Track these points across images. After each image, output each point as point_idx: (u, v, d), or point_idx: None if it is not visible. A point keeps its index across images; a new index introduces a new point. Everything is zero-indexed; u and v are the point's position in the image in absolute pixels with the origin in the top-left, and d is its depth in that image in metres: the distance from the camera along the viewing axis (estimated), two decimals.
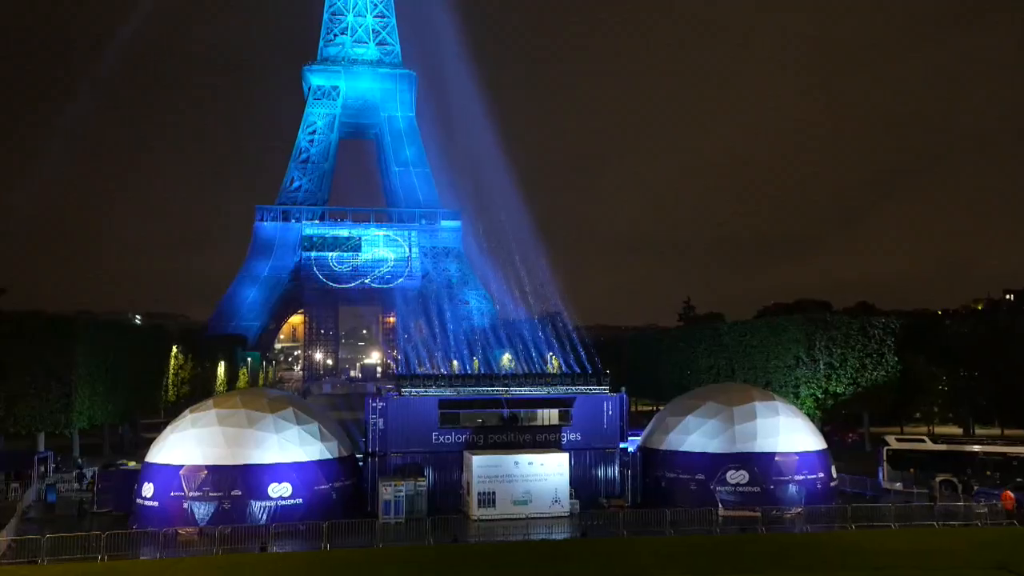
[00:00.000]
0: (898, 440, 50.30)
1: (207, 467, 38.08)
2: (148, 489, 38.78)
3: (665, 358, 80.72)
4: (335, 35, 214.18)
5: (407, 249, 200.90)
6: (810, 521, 40.47)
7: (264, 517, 38.07)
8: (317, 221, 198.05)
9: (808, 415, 59.07)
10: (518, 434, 44.90)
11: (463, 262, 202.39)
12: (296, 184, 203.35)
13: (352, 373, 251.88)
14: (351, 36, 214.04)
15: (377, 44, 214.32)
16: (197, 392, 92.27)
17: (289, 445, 39.63)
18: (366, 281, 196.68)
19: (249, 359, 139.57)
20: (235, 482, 37.97)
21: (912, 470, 48.62)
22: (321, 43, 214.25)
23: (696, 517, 38.59)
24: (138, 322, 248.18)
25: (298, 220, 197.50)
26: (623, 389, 46.72)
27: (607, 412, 45.50)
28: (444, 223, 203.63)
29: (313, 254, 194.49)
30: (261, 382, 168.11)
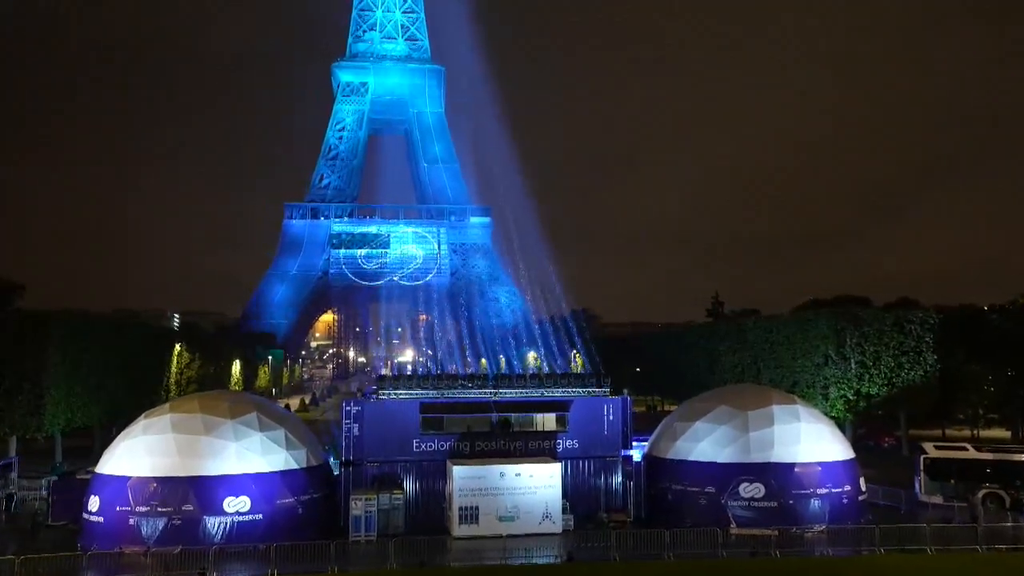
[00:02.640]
0: (937, 447, 45.15)
1: (156, 479, 34.50)
2: (94, 503, 35.28)
3: (688, 356, 75.93)
4: (364, 31, 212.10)
5: (436, 246, 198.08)
6: (833, 542, 35.69)
7: (220, 535, 34.40)
8: (346, 218, 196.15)
9: (838, 418, 54.17)
10: (509, 441, 40.69)
11: (492, 259, 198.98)
12: (325, 181, 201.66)
13: (384, 371, 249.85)
14: (380, 32, 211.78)
15: (406, 39, 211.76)
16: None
17: (249, 454, 35.85)
18: (395, 278, 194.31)
19: (270, 357, 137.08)
20: (186, 496, 34.29)
21: (953, 481, 43.54)
22: (350, 40, 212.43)
23: (700, 538, 34.05)
24: (176, 321, 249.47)
25: (327, 217, 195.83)
26: (625, 391, 42.29)
27: (607, 416, 41.07)
28: (473, 219, 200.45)
29: (342, 251, 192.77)
30: (285, 380, 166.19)
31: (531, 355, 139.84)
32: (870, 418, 60.62)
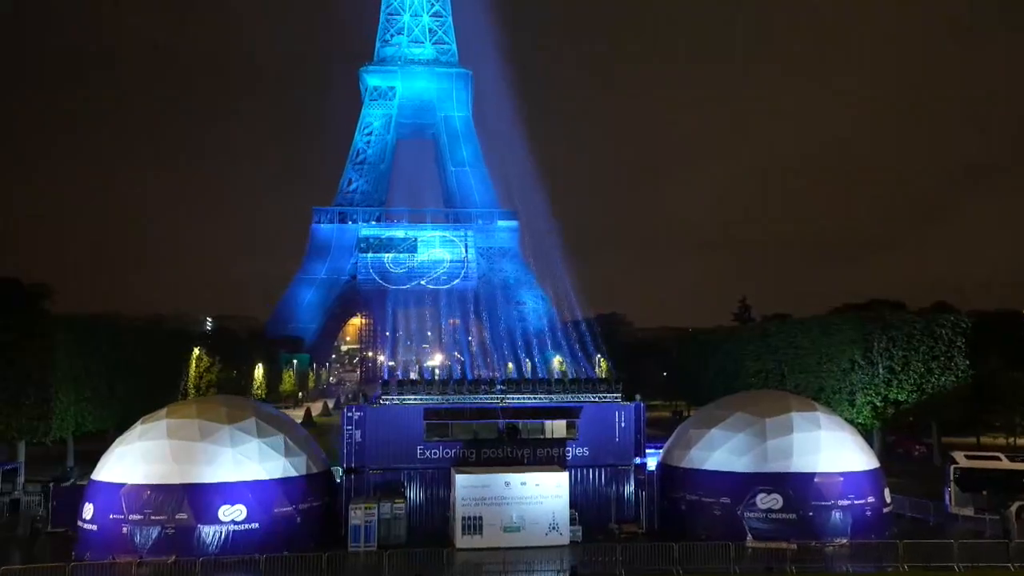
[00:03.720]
0: (968, 457, 42.96)
1: (150, 486, 33.61)
2: (88, 510, 34.50)
3: (714, 361, 74.00)
4: (392, 35, 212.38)
5: (463, 250, 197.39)
6: (855, 558, 33.89)
7: (215, 544, 33.43)
8: (373, 222, 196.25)
9: (865, 425, 52.14)
10: (517, 449, 39.33)
11: (519, 262, 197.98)
12: (353, 186, 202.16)
13: (412, 375, 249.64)
14: (408, 36, 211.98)
15: (434, 43, 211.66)
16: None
17: (246, 461, 34.86)
18: (422, 282, 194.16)
19: (295, 361, 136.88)
20: (180, 504, 33.37)
21: (985, 492, 41.35)
22: (378, 44, 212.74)
23: (712, 552, 32.43)
24: (209, 325, 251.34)
25: (354, 221, 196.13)
26: (638, 397, 40.67)
27: (619, 423, 39.55)
28: (500, 223, 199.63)
29: (369, 255, 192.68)
30: (312, 384, 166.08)
31: (556, 359, 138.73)
32: (900, 425, 58.36)
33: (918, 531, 38.23)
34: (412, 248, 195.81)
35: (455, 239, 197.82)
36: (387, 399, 39.10)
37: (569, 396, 40.34)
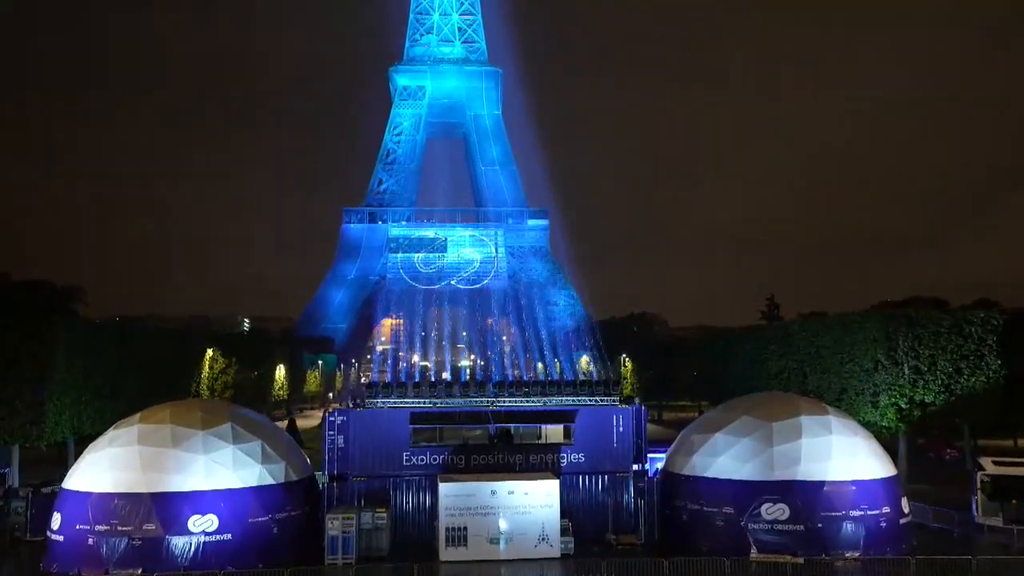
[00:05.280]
0: (996, 463, 40.03)
1: (117, 495, 32.19)
2: (56, 520, 33.21)
3: (735, 362, 71.21)
4: (421, 35, 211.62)
5: (493, 249, 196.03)
6: (867, 572, 31.43)
7: (185, 556, 31.91)
8: (403, 222, 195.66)
9: (889, 428, 49.24)
10: (509, 455, 37.38)
11: (550, 262, 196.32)
12: (383, 186, 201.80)
13: (444, 375, 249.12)
14: (437, 35, 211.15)
15: (463, 42, 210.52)
16: (244, 399, 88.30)
17: (219, 468, 33.28)
18: (452, 282, 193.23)
19: (321, 362, 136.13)
20: (148, 514, 31.90)
21: (1015, 501, 38.49)
22: (407, 43, 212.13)
23: (708, 567, 30.17)
24: (246, 325, 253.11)
25: (384, 221, 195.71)
26: (637, 400, 38.53)
27: (617, 428, 37.43)
28: (531, 222, 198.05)
29: (399, 255, 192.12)
30: (339, 385, 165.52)
31: (583, 359, 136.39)
32: (929, 428, 55.23)
33: (940, 543, 35.58)
34: (442, 248, 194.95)
35: (485, 238, 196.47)
36: (371, 403, 37.33)
37: (564, 399, 38.23)
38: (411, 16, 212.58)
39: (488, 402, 37.78)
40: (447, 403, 37.90)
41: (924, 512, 39.59)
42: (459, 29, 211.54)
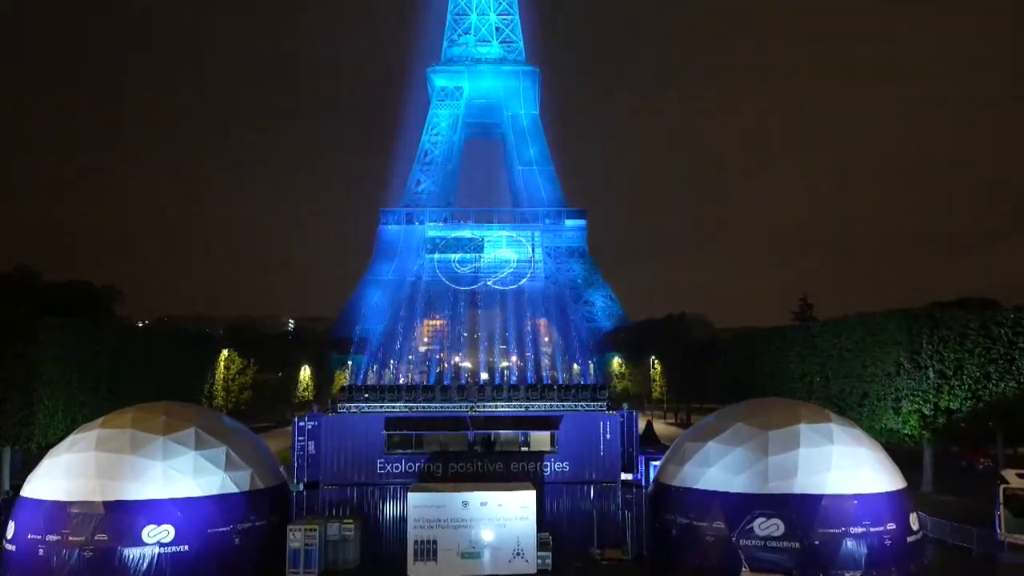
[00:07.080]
0: (1020, 476, 36.82)
1: (71, 503, 30.87)
2: (10, 529, 32.03)
3: (760, 364, 68.10)
4: (459, 35, 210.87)
5: (530, 249, 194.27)
6: None
7: (139, 569, 30.46)
8: (440, 223, 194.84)
9: (912, 436, 46.09)
10: (489, 462, 35.35)
11: (588, 262, 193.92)
12: (420, 186, 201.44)
13: (483, 376, 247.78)
14: (475, 35, 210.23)
15: (501, 42, 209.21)
16: (265, 400, 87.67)
17: (177, 476, 31.76)
18: (489, 283, 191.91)
19: (351, 363, 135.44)
20: (100, 523, 30.52)
21: None
22: (445, 44, 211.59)
23: None
24: (291, 326, 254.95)
25: (421, 222, 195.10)
26: (626, 405, 36.14)
27: (604, 435, 35.16)
28: (568, 222, 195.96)
29: (436, 256, 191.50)
30: None
31: (616, 360, 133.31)
32: (962, 435, 51.72)
33: (957, 563, 32.64)
34: (479, 248, 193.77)
35: (522, 239, 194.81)
36: (344, 407, 35.59)
37: (548, 404, 36.05)
38: (449, 17, 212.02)
39: (467, 407, 35.78)
40: (425, 408, 35.97)
41: (943, 528, 36.54)
42: (497, 29, 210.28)
